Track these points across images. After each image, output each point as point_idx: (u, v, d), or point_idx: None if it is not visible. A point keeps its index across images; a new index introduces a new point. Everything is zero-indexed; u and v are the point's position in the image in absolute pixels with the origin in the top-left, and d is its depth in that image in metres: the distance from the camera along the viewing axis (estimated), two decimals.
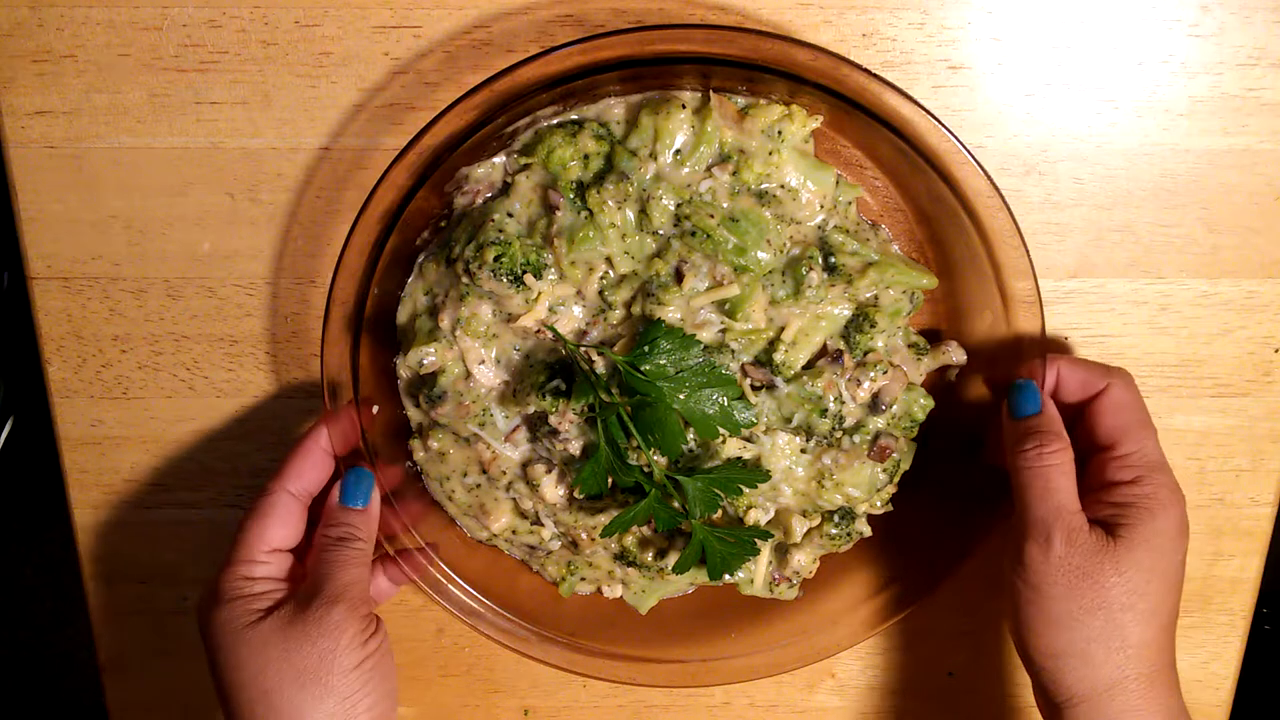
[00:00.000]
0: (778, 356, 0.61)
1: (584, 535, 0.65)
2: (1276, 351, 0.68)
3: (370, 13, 0.63)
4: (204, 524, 0.71)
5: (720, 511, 0.65)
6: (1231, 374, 0.69)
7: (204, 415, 0.70)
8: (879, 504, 0.66)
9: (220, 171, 0.65)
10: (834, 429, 0.63)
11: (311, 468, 0.61)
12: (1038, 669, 0.58)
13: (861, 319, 0.62)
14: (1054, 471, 0.57)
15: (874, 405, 0.63)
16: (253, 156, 0.65)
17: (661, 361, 0.58)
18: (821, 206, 0.62)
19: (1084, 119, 0.64)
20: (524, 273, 0.60)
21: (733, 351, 0.61)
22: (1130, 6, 0.63)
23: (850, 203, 0.63)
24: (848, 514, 0.66)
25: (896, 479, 0.66)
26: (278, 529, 0.60)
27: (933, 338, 0.67)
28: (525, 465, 0.65)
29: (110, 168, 0.65)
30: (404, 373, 0.64)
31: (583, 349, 0.60)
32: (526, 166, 0.61)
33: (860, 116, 0.59)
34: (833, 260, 0.61)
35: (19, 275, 0.68)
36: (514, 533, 0.67)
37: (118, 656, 0.75)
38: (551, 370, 0.61)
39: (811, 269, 0.61)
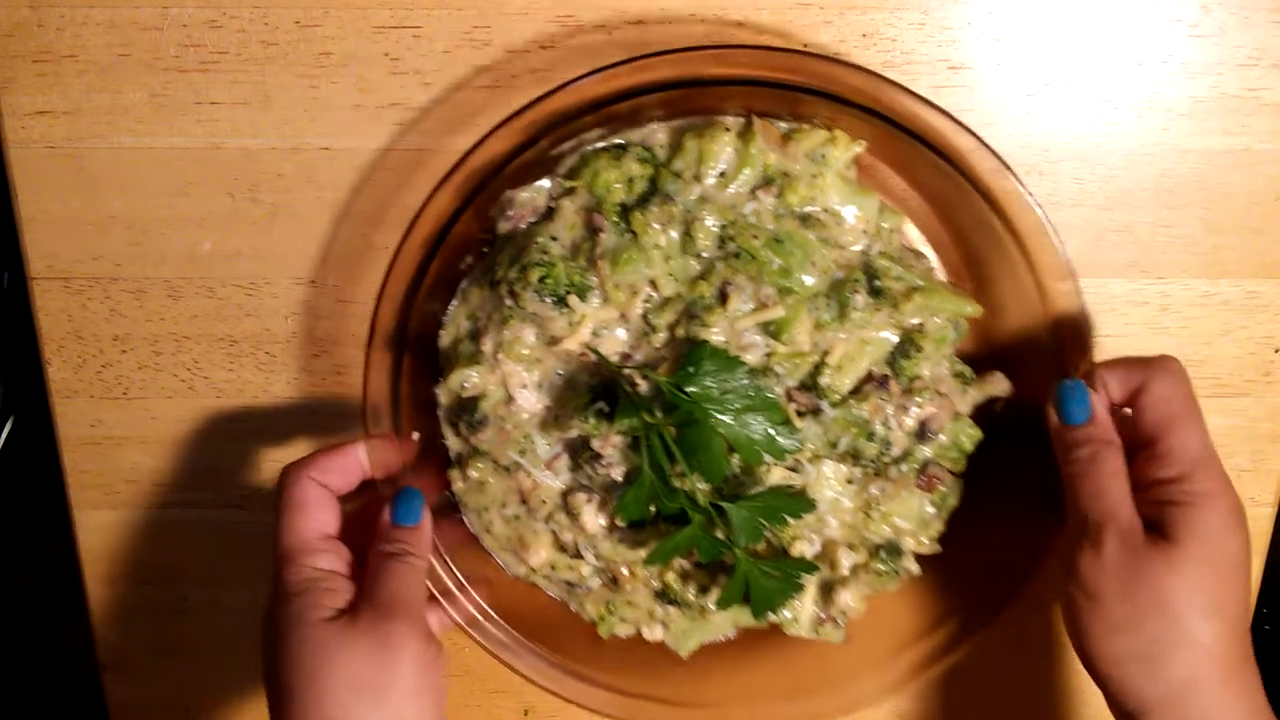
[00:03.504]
0: (823, 380, 0.60)
1: (624, 571, 0.64)
2: (1277, 351, 0.68)
3: (370, 13, 0.63)
4: (204, 524, 0.71)
5: (765, 543, 0.63)
6: (1231, 374, 0.69)
7: (204, 415, 0.70)
8: (926, 541, 0.65)
9: (220, 171, 0.65)
10: (881, 455, 0.62)
11: (340, 470, 0.60)
12: (1105, 678, 0.56)
13: (907, 345, 0.61)
14: (1105, 477, 0.56)
15: (921, 433, 0.62)
16: (253, 156, 0.65)
17: (706, 383, 0.57)
18: (865, 232, 0.61)
19: (1084, 119, 0.64)
20: (567, 294, 0.59)
21: (777, 375, 0.60)
22: (1130, 6, 0.63)
23: (894, 230, 0.63)
24: (895, 549, 0.64)
25: (945, 516, 0.64)
26: (322, 514, 0.58)
27: (978, 370, 0.65)
28: (566, 494, 0.63)
29: (110, 168, 0.65)
30: (444, 398, 0.63)
31: (626, 370, 0.60)
32: (571, 190, 0.61)
33: (903, 140, 0.58)
34: (877, 284, 0.61)
35: (19, 275, 0.68)
36: (553, 568, 0.66)
37: (118, 656, 0.75)
38: (594, 393, 0.60)
39: (856, 291, 0.60)
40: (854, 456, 0.62)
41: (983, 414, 0.64)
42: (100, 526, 0.72)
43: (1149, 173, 0.65)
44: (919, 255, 0.64)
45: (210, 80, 0.64)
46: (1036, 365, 0.61)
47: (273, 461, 0.70)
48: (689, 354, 0.58)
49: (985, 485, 0.64)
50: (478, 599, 0.64)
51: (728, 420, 0.57)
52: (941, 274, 0.64)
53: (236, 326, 0.68)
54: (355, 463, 0.60)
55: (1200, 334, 0.68)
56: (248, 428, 0.70)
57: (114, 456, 0.70)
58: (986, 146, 0.57)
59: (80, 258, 0.67)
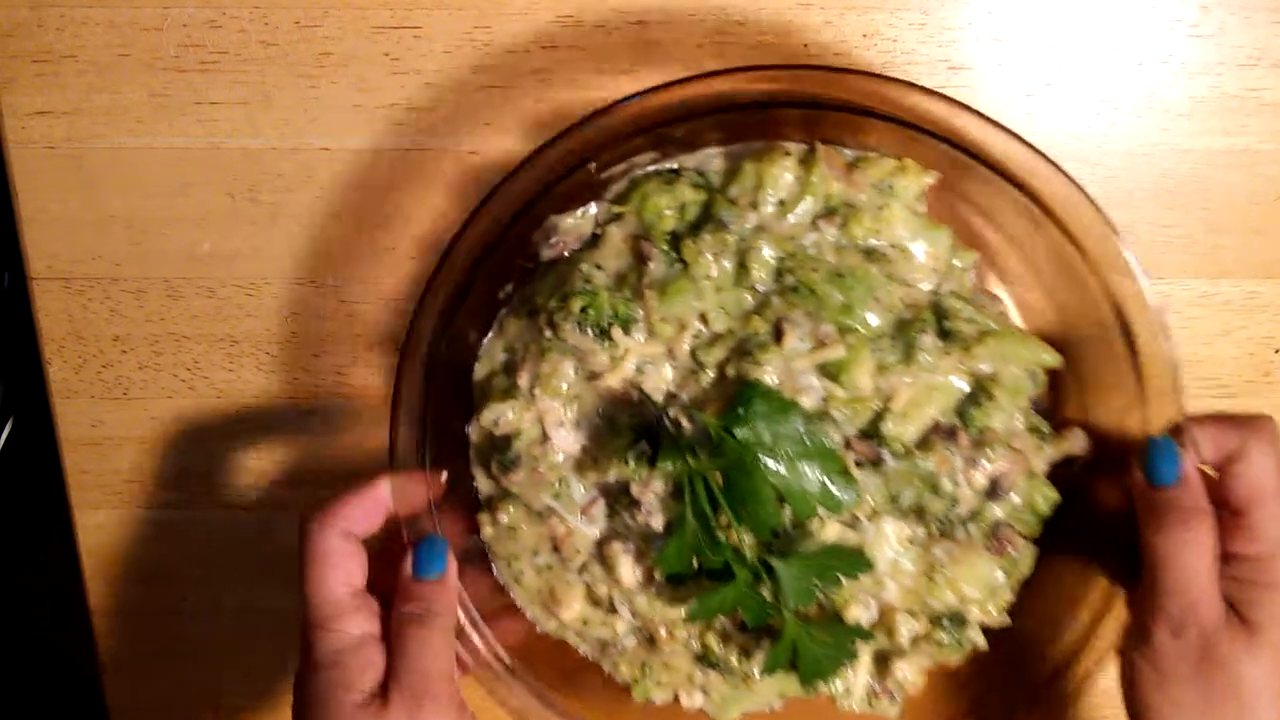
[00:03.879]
0: (886, 428, 0.55)
1: (662, 630, 0.60)
2: (1277, 352, 0.68)
3: (370, 13, 0.63)
4: (204, 524, 0.71)
5: (816, 606, 0.58)
6: (1231, 374, 0.69)
7: (204, 416, 0.69)
8: (994, 612, 0.59)
9: (220, 171, 0.65)
10: (947, 513, 0.56)
11: (365, 514, 0.55)
12: None
13: (978, 393, 0.56)
14: (1194, 552, 0.51)
15: (992, 492, 0.56)
16: (253, 156, 0.65)
17: (757, 427, 0.53)
18: (934, 269, 0.57)
19: (1084, 119, 0.64)
20: (610, 326, 0.56)
21: (835, 422, 0.55)
22: (1130, 6, 0.63)
23: (966, 269, 0.58)
24: (959, 619, 0.58)
25: (1014, 584, 0.59)
26: (349, 565, 0.54)
27: (1055, 425, 0.60)
28: (601, 543, 0.59)
29: (110, 168, 0.65)
30: (475, 436, 0.60)
31: (671, 410, 0.56)
32: (619, 216, 0.58)
33: (980, 171, 0.54)
34: (947, 325, 0.56)
35: (19, 275, 0.68)
36: (585, 624, 0.61)
37: (118, 656, 0.75)
38: (636, 434, 0.56)
39: (924, 332, 0.55)
40: (917, 514, 0.57)
41: (1058, 474, 0.59)
42: (100, 526, 0.72)
43: (1149, 173, 0.65)
44: (993, 297, 0.59)
45: (210, 80, 0.64)
46: (1120, 420, 0.56)
47: (273, 462, 0.70)
48: (739, 395, 0.53)
49: (1059, 551, 0.59)
50: (504, 655, 0.59)
51: (779, 468, 0.53)
52: (1018, 319, 0.60)
53: (236, 326, 0.68)
54: (379, 502, 0.56)
55: (1200, 334, 0.68)
56: (248, 428, 0.70)
57: (114, 456, 0.70)
58: (1074, 183, 0.54)
59: (80, 258, 0.67)
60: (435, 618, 0.54)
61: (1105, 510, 0.57)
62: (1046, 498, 0.58)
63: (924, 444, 0.56)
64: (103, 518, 0.72)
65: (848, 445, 0.56)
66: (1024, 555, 0.58)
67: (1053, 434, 0.58)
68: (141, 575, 0.73)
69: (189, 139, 0.65)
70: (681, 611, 0.58)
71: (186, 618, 0.73)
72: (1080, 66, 0.64)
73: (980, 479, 0.56)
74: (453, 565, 0.56)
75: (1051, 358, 0.58)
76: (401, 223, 0.66)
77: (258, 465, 0.70)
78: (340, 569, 0.54)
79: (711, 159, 0.58)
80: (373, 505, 0.56)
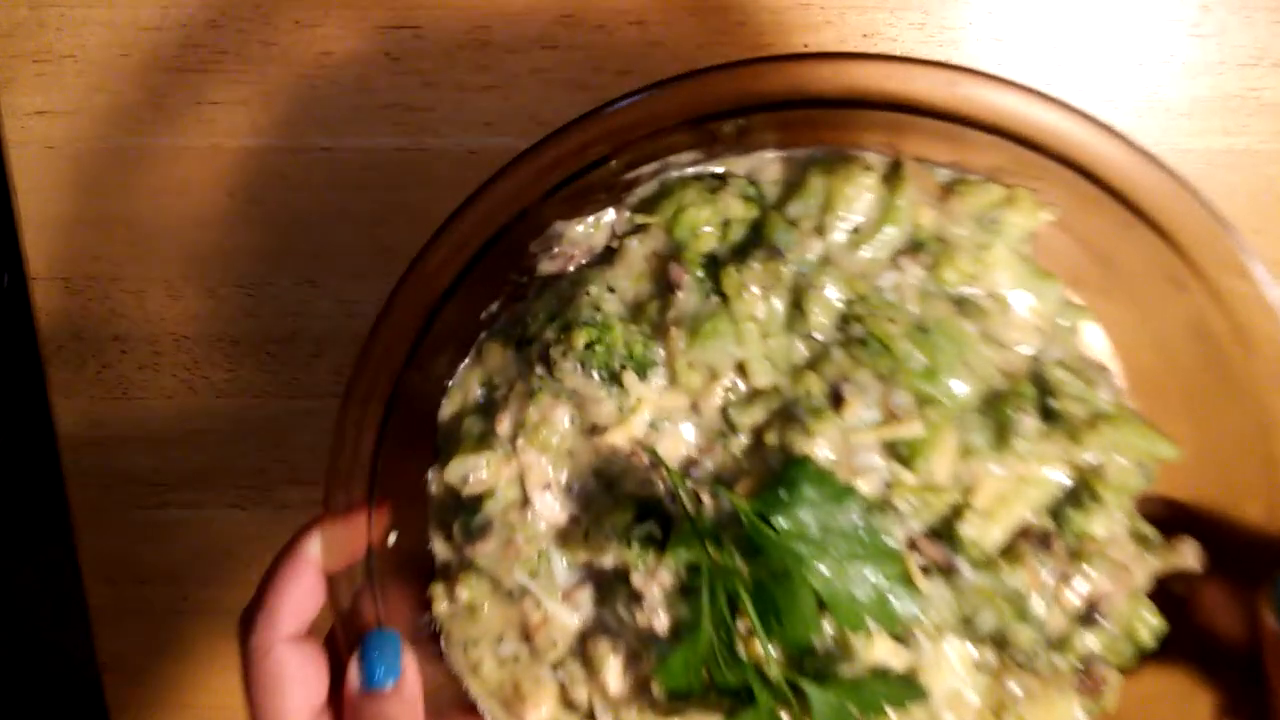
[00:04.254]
0: (965, 530, 0.44)
1: None
2: None
3: (370, 13, 0.63)
4: (204, 524, 0.71)
5: None
6: None
7: (204, 415, 0.69)
8: None
9: (220, 171, 0.65)
10: (1031, 653, 0.45)
11: (307, 594, 0.45)
12: None
13: (1080, 491, 0.45)
14: None
15: (1087, 616, 0.45)
16: (253, 156, 0.65)
17: (802, 516, 0.41)
18: (1038, 329, 0.45)
19: None
20: (623, 369, 0.45)
21: (899, 515, 0.44)
22: (1130, 6, 0.63)
23: (1073, 329, 0.47)
24: None
25: None
26: (305, 684, 0.44)
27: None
28: (585, 637, 0.47)
29: (110, 168, 0.65)
30: (436, 489, 0.49)
31: (691, 483, 0.45)
32: (642, 228, 0.47)
33: (1114, 212, 0.42)
34: (1051, 404, 0.44)
35: (19, 275, 0.68)
36: None
37: (118, 656, 0.75)
38: (642, 509, 0.45)
39: (1024, 411, 0.44)
40: (998, 643, 0.45)
41: (1157, 592, 0.47)
42: (100, 526, 0.72)
43: None
44: (1101, 368, 0.47)
45: (210, 80, 0.64)
46: (1253, 536, 0.45)
47: (273, 462, 0.70)
48: (783, 472, 0.42)
49: (1151, 669, 0.48)
50: None
51: (825, 570, 0.41)
52: (1128, 398, 0.47)
53: (236, 326, 0.68)
54: (313, 575, 0.45)
55: None
56: (248, 428, 0.70)
57: (114, 456, 0.70)
58: (1230, 235, 0.42)
59: (80, 258, 0.67)
60: None
61: (1214, 629, 0.46)
62: (1151, 628, 0.46)
63: (1009, 552, 0.45)
64: (103, 518, 0.72)
65: (912, 546, 0.45)
66: (1112, 690, 0.46)
67: (1161, 543, 0.46)
68: (141, 575, 0.73)
69: (189, 139, 0.65)
70: None
71: (186, 618, 0.73)
72: (1081, 66, 0.64)
73: (1074, 599, 0.45)
74: (412, 666, 0.45)
75: (1170, 450, 0.46)
76: (401, 223, 0.66)
77: (257, 465, 0.70)
78: (295, 692, 0.44)
79: (767, 165, 0.46)
80: (309, 583, 0.45)
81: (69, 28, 0.63)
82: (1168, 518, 0.46)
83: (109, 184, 0.65)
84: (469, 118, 0.64)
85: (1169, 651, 0.47)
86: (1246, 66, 0.64)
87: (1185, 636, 0.46)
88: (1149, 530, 0.46)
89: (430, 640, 0.49)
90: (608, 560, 0.46)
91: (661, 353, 0.45)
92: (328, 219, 0.66)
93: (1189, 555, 0.46)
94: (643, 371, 0.45)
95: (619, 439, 0.46)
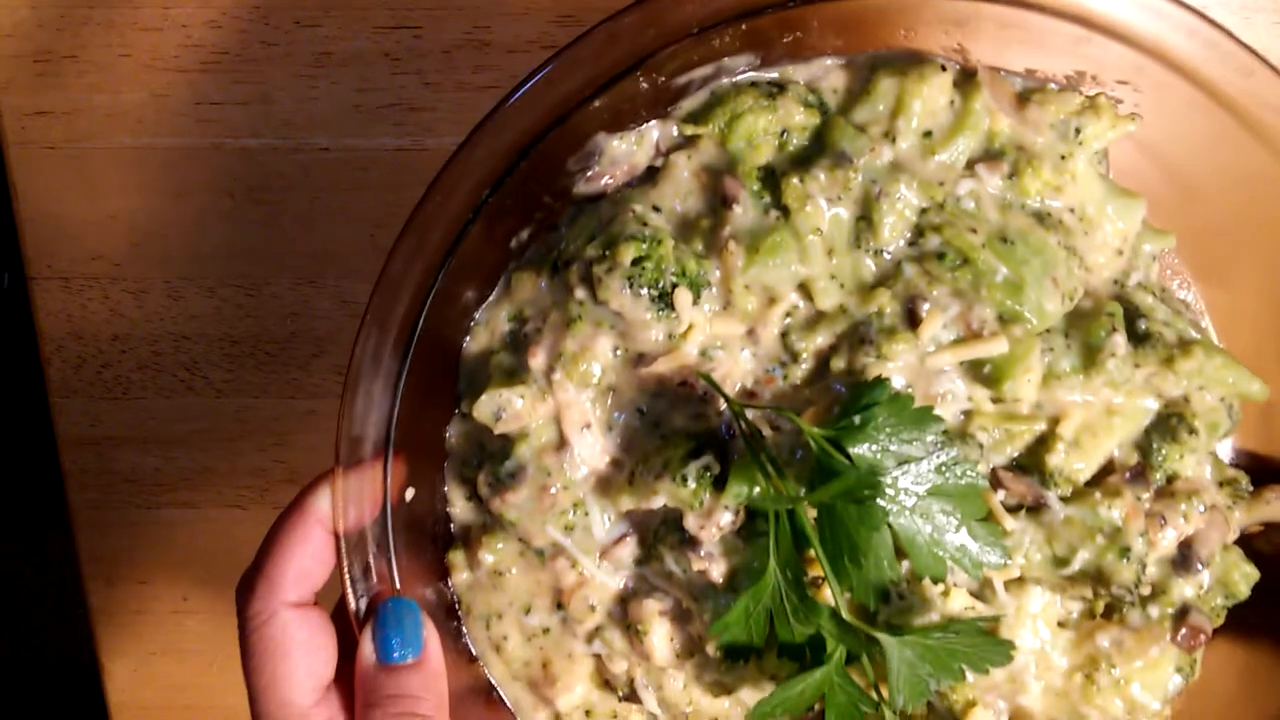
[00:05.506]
0: (1053, 460, 0.39)
1: None
2: None
3: (370, 13, 0.63)
4: (204, 524, 0.71)
5: (927, 705, 0.40)
6: None
7: (204, 415, 0.69)
8: None
9: (220, 171, 0.65)
10: (1136, 585, 0.40)
11: (313, 558, 0.40)
12: None
13: (1175, 422, 0.41)
14: None
15: (1183, 561, 0.40)
16: (253, 156, 0.65)
17: (880, 444, 0.36)
18: (1120, 251, 0.41)
19: None
20: (675, 287, 0.39)
21: (980, 446, 0.40)
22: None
23: (1155, 257, 0.43)
24: None
25: (1174, 695, 0.42)
26: (310, 655, 0.39)
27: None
28: (626, 600, 0.42)
29: (110, 168, 0.65)
30: (456, 438, 0.44)
31: (751, 413, 0.39)
32: (691, 141, 0.41)
33: (1202, 122, 0.38)
34: (1141, 326, 0.41)
35: (19, 275, 0.68)
36: (588, 715, 0.44)
37: (118, 656, 0.75)
38: (697, 443, 0.40)
39: (1115, 331, 0.39)
40: (1095, 582, 0.40)
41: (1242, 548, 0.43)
42: (100, 526, 0.72)
43: None
44: (1184, 304, 0.44)
45: (210, 80, 0.64)
46: None
47: (273, 462, 0.70)
48: (854, 396, 0.36)
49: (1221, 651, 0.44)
50: None
51: (904, 506, 0.36)
52: (1213, 335, 0.43)
53: (236, 326, 0.68)
54: (321, 535, 0.41)
55: None
56: (248, 428, 0.70)
57: (114, 456, 0.70)
58: None
59: (80, 258, 0.67)
60: None
61: None
62: (1246, 575, 0.42)
63: (1100, 486, 0.40)
64: (103, 518, 0.72)
65: (996, 483, 0.40)
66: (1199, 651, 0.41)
67: (1252, 493, 0.43)
68: (141, 575, 0.73)
69: (189, 139, 0.65)
70: (726, 704, 0.42)
71: (187, 617, 0.73)
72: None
73: (1168, 542, 0.40)
74: (433, 638, 0.40)
75: (1261, 389, 0.42)
76: (401, 223, 0.66)
77: (258, 465, 0.70)
78: (299, 662, 0.39)
79: (828, 71, 0.42)
80: (319, 540, 0.40)
81: (69, 28, 0.63)
82: (1253, 470, 0.44)
83: (109, 184, 0.65)
84: (469, 118, 0.64)
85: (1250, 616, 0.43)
86: None
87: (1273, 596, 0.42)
88: (1241, 476, 0.42)
89: (444, 617, 0.44)
90: (659, 501, 0.40)
91: (717, 272, 0.40)
92: (328, 219, 0.66)
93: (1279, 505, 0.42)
94: (696, 291, 0.39)
95: (667, 368, 0.40)
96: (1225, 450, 0.45)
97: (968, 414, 0.40)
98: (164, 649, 0.74)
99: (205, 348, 0.68)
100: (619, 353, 0.41)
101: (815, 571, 0.38)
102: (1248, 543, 0.43)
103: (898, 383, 0.39)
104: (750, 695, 0.41)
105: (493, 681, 0.44)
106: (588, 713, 0.44)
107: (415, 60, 0.64)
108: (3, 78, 0.64)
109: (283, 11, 0.63)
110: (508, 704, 0.44)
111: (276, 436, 0.70)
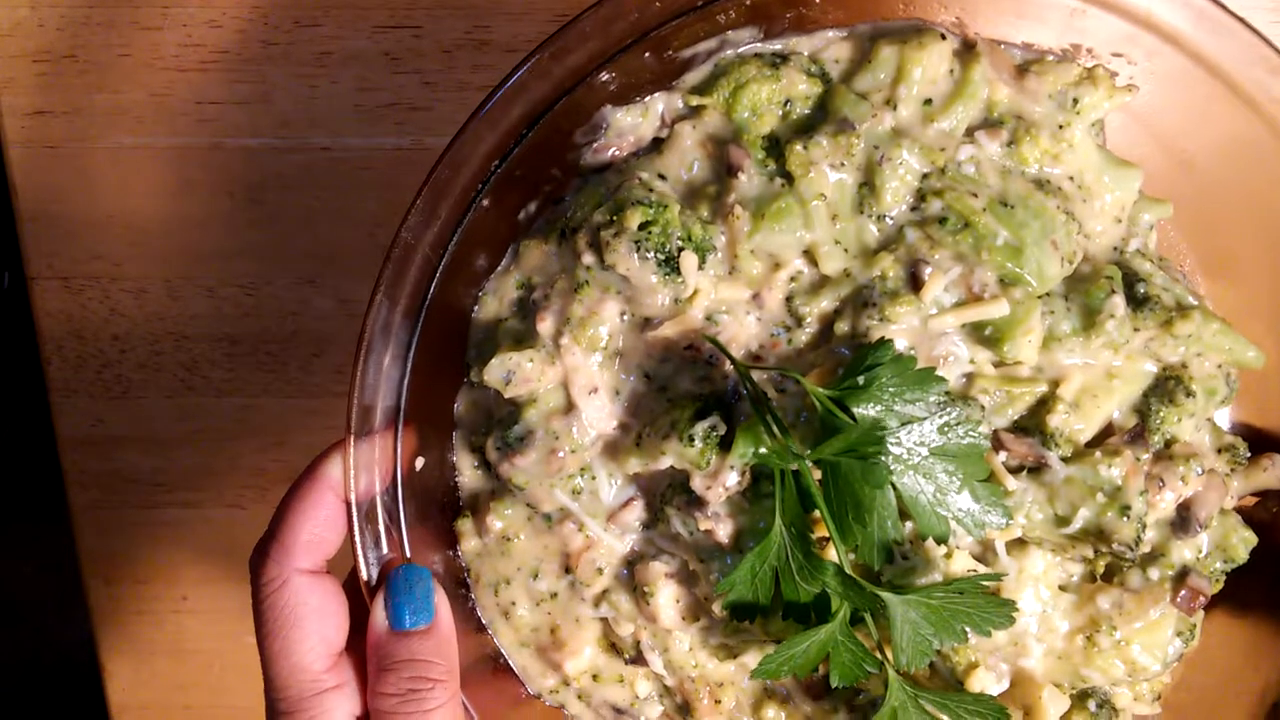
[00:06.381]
0: (1054, 421, 0.40)
1: (704, 697, 0.43)
2: None
3: (370, 13, 0.63)
4: (204, 524, 0.71)
5: (929, 665, 0.41)
6: None
7: (204, 415, 0.69)
8: (1148, 696, 0.44)
9: (220, 171, 0.65)
10: (1135, 544, 0.40)
11: (326, 524, 0.41)
12: None
13: (1173, 385, 0.42)
14: None
15: (1182, 524, 0.42)
16: (253, 156, 0.65)
17: (883, 404, 0.37)
18: (1117, 219, 0.43)
19: None
20: (680, 252, 0.40)
21: (982, 408, 0.40)
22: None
23: (1152, 226, 0.44)
24: (1105, 703, 0.43)
25: (1173, 661, 0.43)
26: (323, 622, 0.40)
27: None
28: (633, 562, 0.43)
29: (110, 168, 0.65)
30: (464, 407, 0.44)
31: (757, 374, 0.40)
32: (696, 111, 0.42)
33: (1194, 90, 0.39)
34: (1140, 289, 0.42)
35: (19, 275, 0.68)
36: (595, 679, 0.45)
37: (118, 656, 0.75)
38: (704, 405, 0.41)
39: (1114, 293, 0.40)
40: (1097, 540, 0.40)
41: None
42: (100, 526, 0.72)
43: None
44: (1181, 272, 0.45)
45: (210, 80, 0.64)
46: None
47: (272, 462, 0.70)
48: (858, 358, 0.37)
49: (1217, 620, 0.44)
50: None
51: (907, 465, 0.37)
52: (1210, 306, 0.44)
53: (236, 326, 0.68)
54: (334, 503, 0.41)
55: None
56: (248, 428, 0.70)
57: (114, 456, 0.70)
58: None
59: (80, 258, 0.67)
60: (431, 688, 0.39)
61: None
62: (1245, 540, 0.43)
63: (1100, 446, 0.41)
64: (103, 517, 0.72)
65: (998, 443, 0.40)
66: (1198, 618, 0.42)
67: (1249, 460, 0.44)
68: (141, 575, 0.73)
69: (189, 139, 0.65)
70: (731, 667, 0.42)
71: (186, 618, 0.73)
72: None
73: (1167, 504, 0.41)
74: (444, 604, 0.41)
75: (1257, 357, 0.43)
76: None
77: (257, 465, 0.70)
78: (312, 628, 0.39)
79: (831, 43, 0.43)
80: (330, 508, 0.41)
81: (69, 28, 0.63)
82: (1250, 441, 0.45)
83: (109, 184, 0.65)
84: None
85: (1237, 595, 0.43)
86: None
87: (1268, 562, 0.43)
88: (1238, 442, 0.44)
89: (452, 588, 0.44)
90: (664, 464, 0.41)
91: (722, 238, 0.41)
92: (328, 219, 0.66)
93: (1277, 472, 0.43)
94: (702, 255, 0.40)
95: (674, 331, 0.41)
96: (1223, 421, 0.46)
97: (969, 376, 0.41)
98: (164, 649, 0.74)
99: (205, 347, 0.68)
100: (626, 317, 0.43)
101: (820, 532, 0.38)
102: (1247, 517, 0.44)
103: (901, 345, 0.40)
104: (755, 659, 0.41)
105: (501, 649, 0.45)
106: (595, 676, 0.45)
107: (415, 60, 0.64)
108: (3, 78, 0.64)
109: (283, 11, 0.63)
110: (516, 672, 0.45)
111: (276, 436, 0.70)
